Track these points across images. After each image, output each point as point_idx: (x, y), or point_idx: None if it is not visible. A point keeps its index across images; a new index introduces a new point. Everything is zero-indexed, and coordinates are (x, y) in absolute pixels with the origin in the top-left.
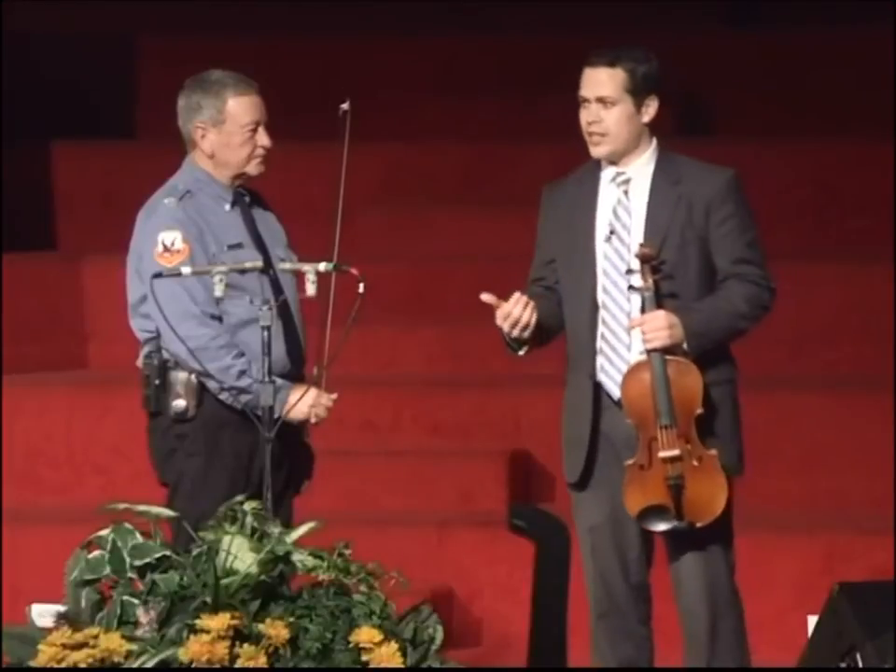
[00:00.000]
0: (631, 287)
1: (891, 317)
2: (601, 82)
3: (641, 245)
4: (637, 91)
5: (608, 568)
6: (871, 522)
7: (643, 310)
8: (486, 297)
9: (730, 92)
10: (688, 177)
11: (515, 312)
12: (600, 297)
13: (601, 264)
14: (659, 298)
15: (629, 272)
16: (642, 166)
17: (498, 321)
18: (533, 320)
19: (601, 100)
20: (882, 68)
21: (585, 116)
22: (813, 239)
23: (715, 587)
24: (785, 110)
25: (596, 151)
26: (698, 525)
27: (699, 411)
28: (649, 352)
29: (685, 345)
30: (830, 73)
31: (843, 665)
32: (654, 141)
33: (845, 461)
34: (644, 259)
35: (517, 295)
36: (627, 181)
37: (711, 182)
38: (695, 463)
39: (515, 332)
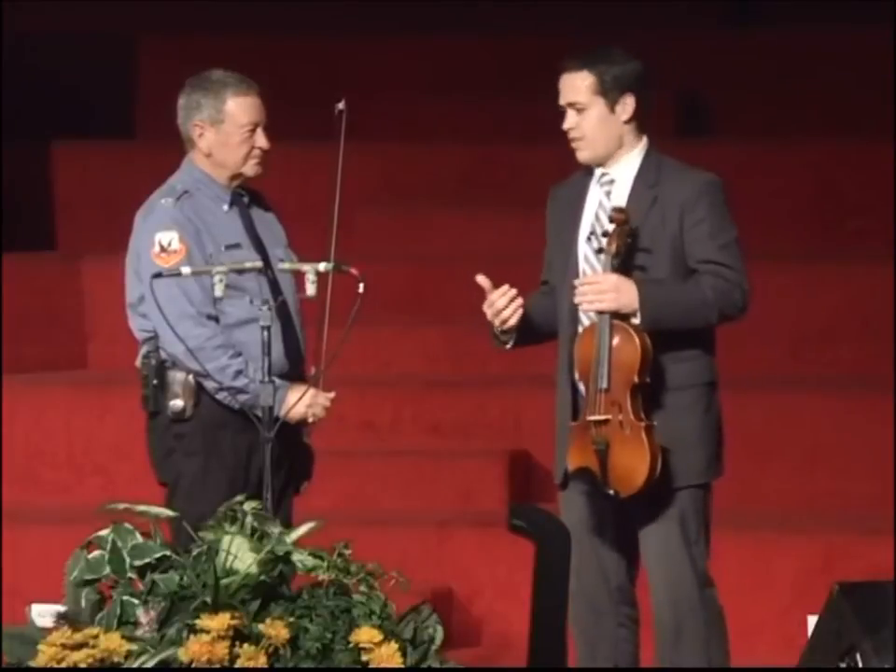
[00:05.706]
0: (599, 250)
1: (891, 317)
2: (571, 88)
3: (615, 209)
4: (608, 92)
5: (584, 570)
6: (871, 522)
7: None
8: (481, 279)
9: (730, 92)
10: (665, 180)
11: (499, 303)
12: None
13: (581, 266)
14: (624, 265)
15: (604, 234)
16: (626, 167)
17: (485, 307)
18: (515, 318)
19: (572, 105)
20: (882, 68)
21: (565, 123)
22: (813, 239)
23: (678, 591)
24: (785, 110)
25: (580, 156)
26: (622, 495)
27: (636, 380)
28: (599, 314)
29: (637, 315)
30: (830, 73)
31: (843, 664)
32: (644, 141)
33: (845, 461)
34: (616, 223)
35: (505, 287)
36: (611, 182)
37: (686, 185)
38: (627, 432)
39: (497, 323)
